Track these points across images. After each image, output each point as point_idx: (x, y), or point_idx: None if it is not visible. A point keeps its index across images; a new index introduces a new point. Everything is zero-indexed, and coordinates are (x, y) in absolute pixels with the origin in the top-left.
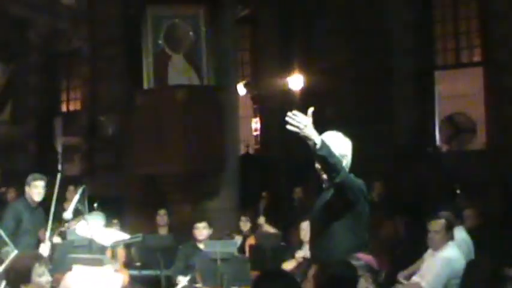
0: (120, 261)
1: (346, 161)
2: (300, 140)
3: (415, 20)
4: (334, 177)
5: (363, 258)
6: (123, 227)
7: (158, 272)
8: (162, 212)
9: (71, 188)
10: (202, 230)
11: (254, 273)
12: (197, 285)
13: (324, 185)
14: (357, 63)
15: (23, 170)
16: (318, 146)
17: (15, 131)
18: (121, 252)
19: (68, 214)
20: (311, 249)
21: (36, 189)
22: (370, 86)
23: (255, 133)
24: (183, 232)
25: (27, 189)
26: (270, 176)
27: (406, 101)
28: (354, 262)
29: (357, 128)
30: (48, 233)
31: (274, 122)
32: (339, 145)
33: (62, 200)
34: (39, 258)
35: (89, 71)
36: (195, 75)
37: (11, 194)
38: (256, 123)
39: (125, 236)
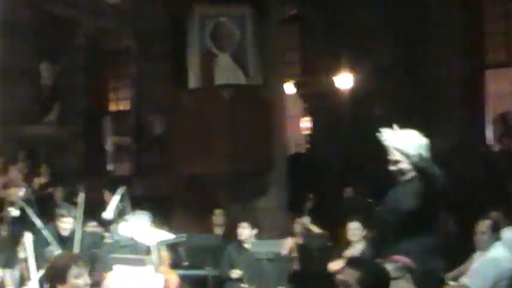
0: (166, 262)
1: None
2: (349, 139)
3: (464, 18)
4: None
5: (400, 260)
6: (172, 227)
7: (205, 272)
8: (218, 211)
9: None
10: (245, 230)
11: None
12: (243, 284)
13: (400, 178)
14: (405, 61)
15: (71, 170)
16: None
17: (62, 131)
18: (165, 254)
19: (107, 214)
20: (381, 244)
21: (62, 224)
22: (419, 85)
23: (305, 132)
24: (231, 232)
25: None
26: (320, 175)
27: (456, 99)
28: (392, 264)
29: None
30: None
31: (323, 121)
32: (415, 143)
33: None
34: (77, 259)
35: (136, 70)
36: (242, 74)
37: (58, 194)
38: (306, 123)
39: (169, 236)
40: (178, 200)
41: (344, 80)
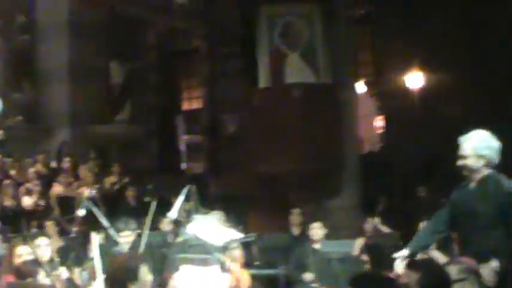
0: (239, 261)
1: (485, 161)
2: (423, 138)
3: None
4: None
5: (465, 262)
6: (247, 226)
7: (277, 271)
8: (296, 211)
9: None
10: (317, 230)
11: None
12: (314, 285)
13: (470, 176)
14: (481, 60)
15: (143, 169)
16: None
17: (134, 130)
18: (239, 253)
19: (172, 214)
20: (467, 245)
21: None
22: (495, 83)
23: (378, 132)
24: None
25: None
26: (393, 174)
27: None
28: (457, 266)
29: (482, 128)
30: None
31: (397, 120)
32: (479, 146)
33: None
34: (143, 258)
35: (208, 69)
36: (311, 73)
37: (129, 193)
38: (379, 122)
39: (238, 235)
40: (253, 199)
41: (416, 79)
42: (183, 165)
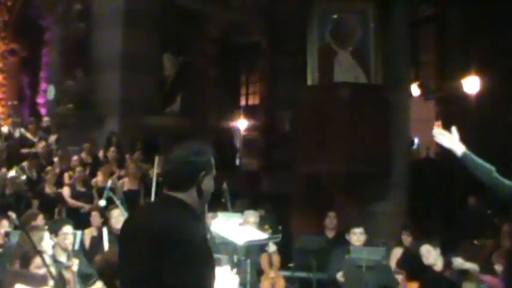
0: (276, 266)
1: None
2: (479, 144)
3: None
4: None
5: (487, 281)
6: (287, 226)
7: (310, 275)
8: (332, 214)
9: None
10: (359, 236)
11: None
12: None
13: None
14: None
15: None
16: (460, 158)
17: (185, 122)
18: (276, 258)
19: None
20: None
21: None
22: None
23: None
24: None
25: None
26: (446, 182)
27: None
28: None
29: None
30: None
31: (455, 125)
32: None
33: None
34: None
35: (267, 65)
36: (362, 73)
37: None
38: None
39: (262, 236)
40: (297, 199)
41: (471, 84)
42: (238, 161)
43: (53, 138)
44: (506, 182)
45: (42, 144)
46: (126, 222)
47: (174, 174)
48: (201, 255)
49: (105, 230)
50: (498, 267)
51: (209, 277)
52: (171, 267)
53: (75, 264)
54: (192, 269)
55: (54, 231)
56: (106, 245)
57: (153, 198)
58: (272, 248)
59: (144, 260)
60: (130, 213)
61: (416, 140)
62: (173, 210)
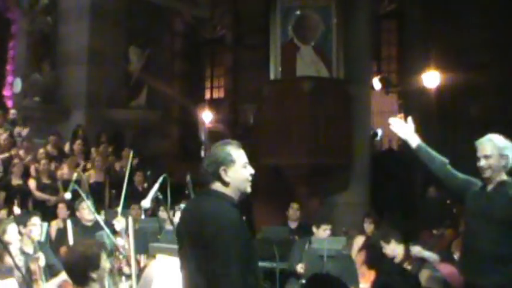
0: None
1: (506, 162)
2: (441, 137)
3: None
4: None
5: (443, 270)
6: (251, 218)
7: (274, 265)
8: (294, 205)
9: (139, 173)
10: (326, 231)
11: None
12: (303, 280)
13: (489, 178)
14: (501, 60)
15: (163, 155)
16: (415, 149)
17: (151, 115)
18: None
19: (146, 202)
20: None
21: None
22: None
23: None
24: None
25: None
26: (407, 172)
27: None
28: (432, 273)
29: (501, 129)
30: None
31: (416, 118)
32: (499, 146)
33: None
34: (103, 245)
35: (232, 60)
36: (324, 67)
37: (136, 178)
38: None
39: None
40: (260, 191)
41: (431, 78)
42: (203, 153)
43: (25, 131)
44: (459, 174)
45: (4, 136)
46: (182, 212)
47: (203, 169)
48: (236, 236)
49: (69, 222)
50: (457, 256)
51: (249, 258)
52: (210, 253)
53: (42, 257)
54: (229, 253)
55: (23, 222)
56: (71, 237)
57: (124, 189)
58: None
59: (193, 249)
60: (186, 204)
61: (379, 132)
62: (210, 198)
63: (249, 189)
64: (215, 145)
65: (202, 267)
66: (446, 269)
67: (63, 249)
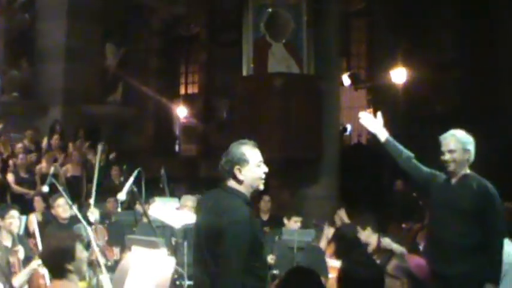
0: None
1: (468, 156)
2: (407, 132)
3: None
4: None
5: (411, 261)
6: None
7: None
8: (266, 197)
9: (115, 168)
10: (296, 223)
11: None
12: (274, 271)
13: (453, 171)
14: (464, 60)
15: (139, 150)
16: (383, 143)
17: (126, 111)
18: None
19: (121, 195)
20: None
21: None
22: (479, 82)
23: None
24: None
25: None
26: (375, 167)
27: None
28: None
29: (464, 125)
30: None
31: (384, 113)
32: (463, 141)
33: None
34: (78, 236)
35: (206, 56)
36: (295, 64)
37: (113, 172)
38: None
39: None
40: None
41: (399, 75)
42: (178, 148)
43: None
44: (424, 168)
45: None
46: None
47: (220, 166)
48: (245, 231)
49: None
50: (422, 247)
51: (256, 251)
52: (224, 245)
53: (21, 249)
54: (237, 246)
55: (1, 216)
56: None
57: (95, 183)
58: None
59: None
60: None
61: (349, 127)
62: (226, 194)
63: (261, 187)
64: (232, 144)
65: (214, 255)
66: (414, 261)
67: (31, 241)
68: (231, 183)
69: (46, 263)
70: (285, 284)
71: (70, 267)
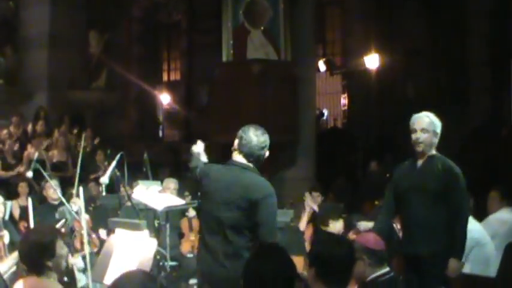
0: (195, 229)
1: (436, 139)
2: (380, 116)
3: (493, 8)
4: None
5: (359, 240)
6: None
7: None
8: None
9: (100, 152)
10: None
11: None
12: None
13: (423, 150)
14: (433, 47)
15: (122, 135)
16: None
17: (110, 97)
18: (196, 222)
19: (104, 179)
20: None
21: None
22: (448, 68)
23: (343, 108)
24: None
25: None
26: (352, 149)
27: (482, 84)
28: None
29: (433, 109)
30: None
31: (359, 98)
32: (435, 123)
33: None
34: (58, 232)
35: (187, 43)
36: (273, 50)
37: (98, 157)
38: (344, 99)
39: (180, 202)
40: None
41: (372, 61)
42: (161, 133)
43: None
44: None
45: None
46: (214, 181)
47: (249, 149)
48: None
49: (30, 200)
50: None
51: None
52: (261, 215)
53: (6, 234)
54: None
55: None
56: (31, 215)
57: (78, 166)
58: (192, 213)
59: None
60: (214, 173)
61: (325, 112)
62: (247, 172)
63: None
64: (259, 131)
65: (243, 225)
66: (363, 238)
67: (22, 224)
68: (243, 160)
69: (24, 258)
70: (253, 259)
71: (49, 263)
